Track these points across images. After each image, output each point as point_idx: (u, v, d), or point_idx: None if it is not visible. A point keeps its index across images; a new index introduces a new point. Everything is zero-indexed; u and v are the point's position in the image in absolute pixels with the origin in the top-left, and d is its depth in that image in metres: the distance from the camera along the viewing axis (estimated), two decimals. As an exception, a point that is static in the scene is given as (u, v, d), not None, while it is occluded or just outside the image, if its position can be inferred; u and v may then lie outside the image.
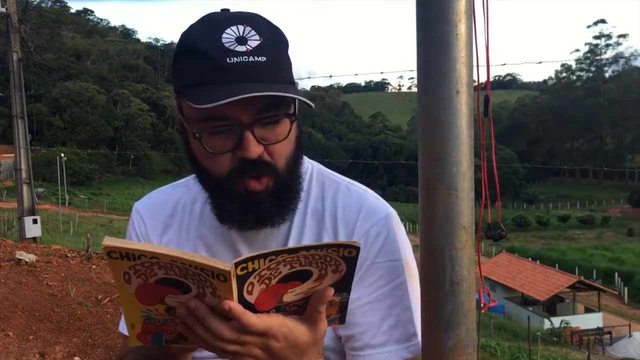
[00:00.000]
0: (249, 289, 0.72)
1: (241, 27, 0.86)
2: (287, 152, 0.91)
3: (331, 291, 0.76)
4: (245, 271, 0.70)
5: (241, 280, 0.70)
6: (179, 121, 0.94)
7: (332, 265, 0.74)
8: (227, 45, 0.84)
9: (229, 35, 0.85)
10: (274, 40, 0.88)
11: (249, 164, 0.87)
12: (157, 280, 0.71)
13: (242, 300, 0.72)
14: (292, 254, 0.71)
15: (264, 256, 0.69)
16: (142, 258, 0.68)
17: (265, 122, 0.87)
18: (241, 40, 0.85)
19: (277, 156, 0.90)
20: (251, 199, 0.90)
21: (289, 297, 0.76)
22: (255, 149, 0.86)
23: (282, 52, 0.89)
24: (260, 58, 0.85)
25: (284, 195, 0.92)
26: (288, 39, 0.93)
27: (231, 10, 0.92)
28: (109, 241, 0.67)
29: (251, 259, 0.69)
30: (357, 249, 0.72)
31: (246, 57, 0.84)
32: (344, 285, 0.77)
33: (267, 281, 0.73)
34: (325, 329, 0.80)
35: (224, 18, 0.88)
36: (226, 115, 0.85)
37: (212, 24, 0.88)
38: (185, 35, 0.89)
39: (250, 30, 0.86)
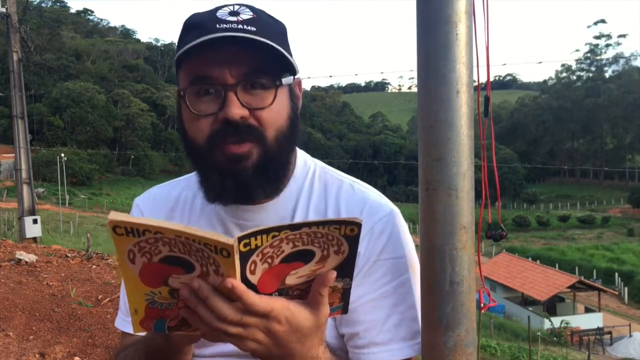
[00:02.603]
0: (252, 268, 0.72)
1: (237, 6, 0.92)
2: (277, 123, 0.91)
3: (333, 274, 0.75)
4: (248, 247, 0.69)
5: (244, 257, 0.70)
6: (177, 100, 0.95)
7: (335, 246, 0.74)
8: (219, 16, 0.89)
9: (224, 10, 0.90)
10: (267, 20, 0.91)
11: (230, 127, 0.87)
12: (162, 258, 0.71)
13: (245, 281, 0.72)
14: (295, 231, 0.71)
15: (267, 232, 0.69)
16: (147, 234, 0.68)
17: (251, 85, 0.88)
18: (233, 13, 0.89)
19: (266, 124, 0.90)
20: (232, 165, 0.89)
21: (291, 279, 0.76)
22: (237, 110, 0.86)
23: (274, 33, 0.91)
24: (249, 27, 0.87)
25: (268, 167, 0.91)
26: (287, 29, 0.95)
27: None
28: (115, 215, 0.67)
29: (254, 234, 0.69)
30: (359, 225, 0.72)
31: (235, 24, 0.87)
32: (346, 270, 0.77)
33: (269, 260, 0.73)
34: (327, 314, 0.80)
35: (224, 3, 0.93)
36: (211, 75, 0.87)
37: (210, 7, 0.93)
38: (185, 20, 0.94)
39: (245, 8, 0.91)
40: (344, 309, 0.83)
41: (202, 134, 0.90)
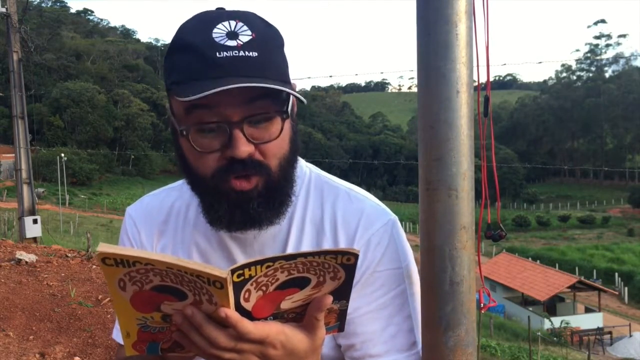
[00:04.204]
0: (246, 296, 0.71)
1: (233, 23, 0.84)
2: (281, 152, 0.88)
3: (329, 299, 0.75)
4: (242, 278, 0.69)
5: (238, 287, 0.69)
6: (170, 121, 0.91)
7: (331, 273, 0.73)
8: (217, 39, 0.82)
9: (220, 30, 0.83)
10: (266, 37, 0.86)
11: (237, 164, 0.84)
12: (153, 287, 0.70)
13: (239, 308, 0.71)
14: (290, 261, 0.70)
15: (261, 262, 0.68)
16: (137, 265, 0.67)
17: (256, 120, 0.84)
18: (232, 35, 0.83)
19: (270, 156, 0.87)
20: (239, 197, 0.87)
21: (286, 304, 0.75)
22: (244, 148, 0.83)
23: (275, 50, 0.87)
24: (251, 53, 0.82)
25: (274, 196, 0.89)
26: (284, 38, 0.91)
27: (227, 9, 0.90)
28: (104, 247, 0.66)
29: (248, 265, 0.68)
30: (356, 256, 0.71)
31: (236, 51, 0.81)
32: (342, 293, 0.76)
33: (264, 288, 0.72)
34: (323, 337, 0.79)
35: (217, 15, 0.86)
36: (213, 106, 0.82)
37: (203, 21, 0.85)
38: (176, 33, 0.87)
39: (243, 26, 0.84)
40: (340, 328, 0.83)
41: (207, 169, 0.86)
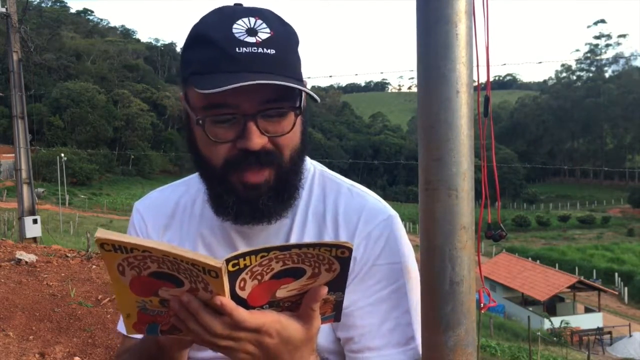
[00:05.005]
0: (241, 284, 0.72)
1: (252, 19, 0.87)
2: (293, 145, 0.91)
3: (325, 289, 0.76)
4: (237, 267, 0.70)
5: (233, 276, 0.70)
6: (184, 111, 0.93)
7: (326, 265, 0.74)
8: (237, 35, 0.85)
9: (240, 26, 0.86)
10: (284, 36, 0.89)
11: (250, 155, 0.86)
12: (151, 273, 0.71)
13: (234, 296, 0.72)
14: (284, 252, 0.70)
15: (256, 252, 0.69)
16: (135, 251, 0.68)
17: (269, 114, 0.86)
18: (251, 31, 0.86)
19: (283, 147, 0.89)
20: (248, 192, 0.89)
21: (282, 292, 0.76)
22: (257, 140, 0.85)
23: (291, 48, 0.90)
24: (269, 50, 0.85)
25: (283, 190, 0.91)
26: (299, 37, 0.94)
27: (244, 5, 0.93)
28: (102, 233, 0.67)
29: (242, 255, 0.69)
30: (350, 250, 0.72)
31: (255, 48, 0.85)
32: (338, 285, 0.77)
33: (259, 277, 0.73)
34: (319, 327, 0.80)
35: (236, 10, 0.89)
36: (230, 103, 0.85)
37: (223, 15, 0.88)
38: (196, 26, 0.90)
39: (262, 23, 0.87)
40: (337, 318, 0.83)
41: (219, 159, 0.89)
